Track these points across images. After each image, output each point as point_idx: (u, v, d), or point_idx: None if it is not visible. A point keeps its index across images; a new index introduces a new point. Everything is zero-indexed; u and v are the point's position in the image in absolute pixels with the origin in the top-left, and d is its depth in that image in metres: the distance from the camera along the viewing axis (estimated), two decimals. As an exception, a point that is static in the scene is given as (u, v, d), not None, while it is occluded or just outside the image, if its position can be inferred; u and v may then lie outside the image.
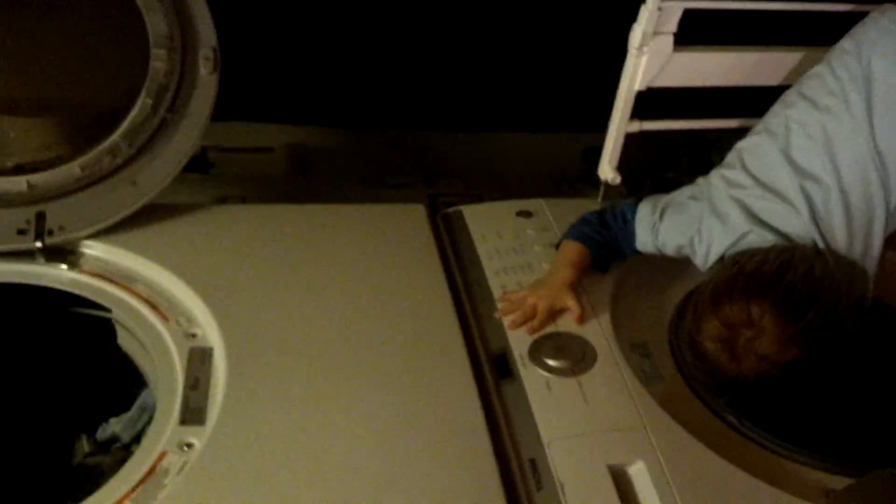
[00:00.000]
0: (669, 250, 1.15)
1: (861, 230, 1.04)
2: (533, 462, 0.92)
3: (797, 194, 1.05)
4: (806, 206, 1.04)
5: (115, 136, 1.14)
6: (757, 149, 1.12)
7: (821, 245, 1.02)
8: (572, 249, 1.18)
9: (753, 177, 1.09)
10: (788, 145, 1.08)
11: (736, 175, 1.11)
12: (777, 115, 1.13)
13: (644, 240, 1.16)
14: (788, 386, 0.96)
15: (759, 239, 1.04)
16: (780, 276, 0.95)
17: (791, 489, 0.91)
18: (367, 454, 0.91)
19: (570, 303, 1.11)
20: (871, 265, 1.05)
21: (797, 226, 1.04)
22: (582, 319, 1.10)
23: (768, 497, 0.89)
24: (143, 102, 1.14)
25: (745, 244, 1.05)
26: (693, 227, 1.11)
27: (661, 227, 1.14)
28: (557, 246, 1.22)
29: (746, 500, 0.89)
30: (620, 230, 1.18)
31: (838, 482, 0.93)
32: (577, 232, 1.20)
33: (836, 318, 0.95)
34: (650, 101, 1.31)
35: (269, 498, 0.85)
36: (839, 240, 1.03)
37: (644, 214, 1.17)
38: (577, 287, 1.14)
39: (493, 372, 1.05)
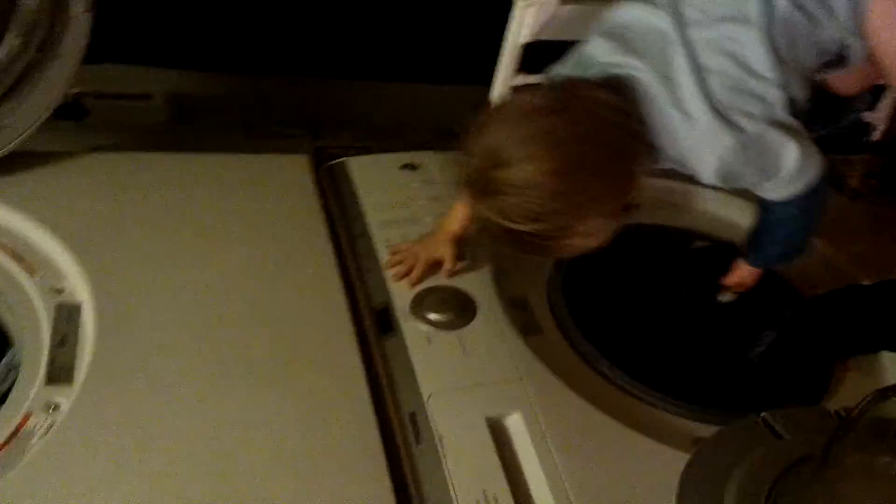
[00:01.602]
0: None
1: None
2: (413, 416, 0.93)
3: None
4: None
5: (-20, 77, 1.08)
6: None
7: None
8: None
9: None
10: None
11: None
12: None
13: None
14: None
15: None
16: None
17: (662, 438, 0.93)
18: (242, 412, 0.89)
19: (445, 255, 1.10)
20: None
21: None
22: (451, 274, 1.10)
23: (640, 445, 0.92)
24: (10, 41, 1.08)
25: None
26: None
27: None
28: None
29: (619, 449, 0.92)
30: None
31: (708, 431, 0.96)
32: None
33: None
34: (537, 55, 1.31)
35: (139, 459, 0.83)
36: None
37: None
38: (459, 240, 1.13)
39: (375, 327, 1.05)
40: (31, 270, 1.02)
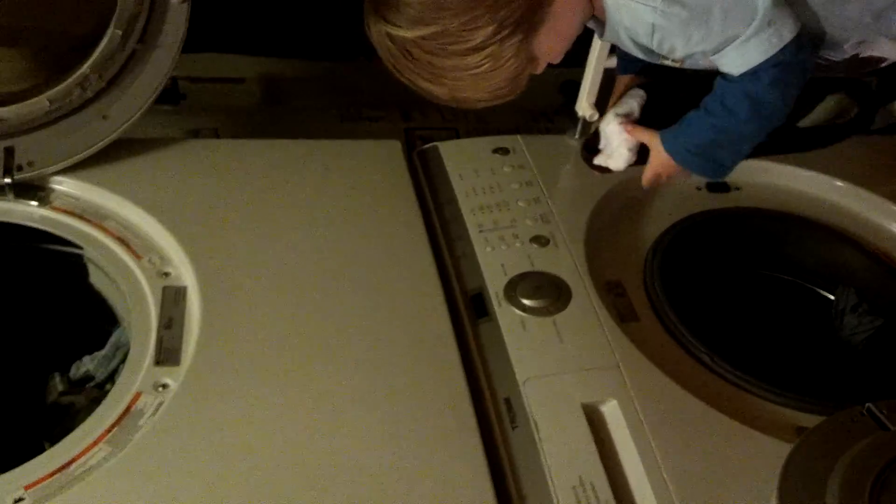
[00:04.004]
0: None
1: None
2: (508, 401, 0.93)
3: None
4: None
5: (85, 69, 1.10)
6: None
7: None
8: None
9: None
10: None
11: None
12: None
13: None
14: None
15: None
16: None
17: (762, 427, 0.92)
18: (343, 395, 0.91)
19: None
20: None
21: None
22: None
23: (739, 434, 0.91)
24: (112, 33, 1.10)
25: None
26: None
27: None
28: None
29: (717, 437, 0.90)
30: None
31: (810, 420, 0.94)
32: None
33: None
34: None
35: (245, 438, 0.85)
36: None
37: None
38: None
39: (469, 312, 1.05)
40: (137, 255, 1.05)
